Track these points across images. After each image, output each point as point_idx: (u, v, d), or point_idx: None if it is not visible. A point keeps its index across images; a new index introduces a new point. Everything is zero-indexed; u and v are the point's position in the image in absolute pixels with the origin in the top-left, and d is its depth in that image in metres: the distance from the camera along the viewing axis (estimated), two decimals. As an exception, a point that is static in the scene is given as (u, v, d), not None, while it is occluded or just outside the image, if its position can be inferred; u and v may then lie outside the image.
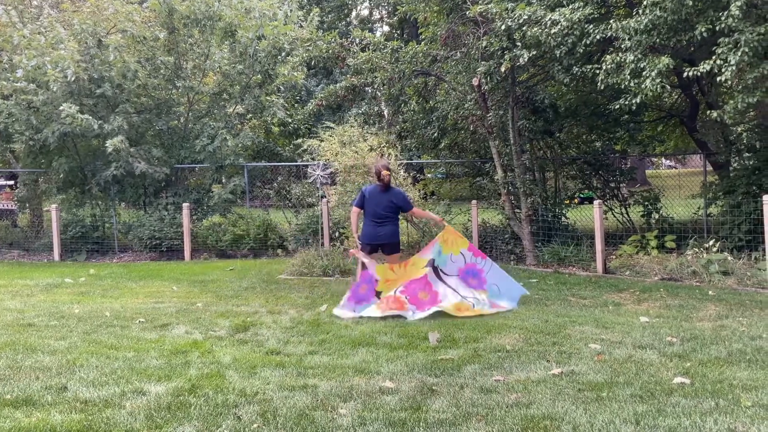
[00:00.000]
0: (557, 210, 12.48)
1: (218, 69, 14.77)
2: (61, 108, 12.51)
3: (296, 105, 19.88)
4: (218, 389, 4.56)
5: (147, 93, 14.41)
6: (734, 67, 7.85)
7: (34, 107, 13.28)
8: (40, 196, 15.69)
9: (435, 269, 7.65)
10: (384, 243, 7.79)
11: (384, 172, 7.72)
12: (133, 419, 4.02)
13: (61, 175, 14.27)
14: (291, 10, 15.52)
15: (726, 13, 7.82)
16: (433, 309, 7.06)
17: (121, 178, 13.83)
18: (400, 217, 8.17)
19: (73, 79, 12.83)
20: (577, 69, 9.78)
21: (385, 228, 7.76)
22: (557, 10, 9.44)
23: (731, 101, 8.39)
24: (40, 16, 16.22)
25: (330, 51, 13.96)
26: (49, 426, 3.91)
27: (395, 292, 7.29)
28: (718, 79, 8.16)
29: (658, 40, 8.65)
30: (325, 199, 12.45)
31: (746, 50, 7.73)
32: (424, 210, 8.93)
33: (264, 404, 4.25)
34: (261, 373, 4.93)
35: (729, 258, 9.33)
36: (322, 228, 12.47)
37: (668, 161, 30.27)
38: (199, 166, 14.77)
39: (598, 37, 9.12)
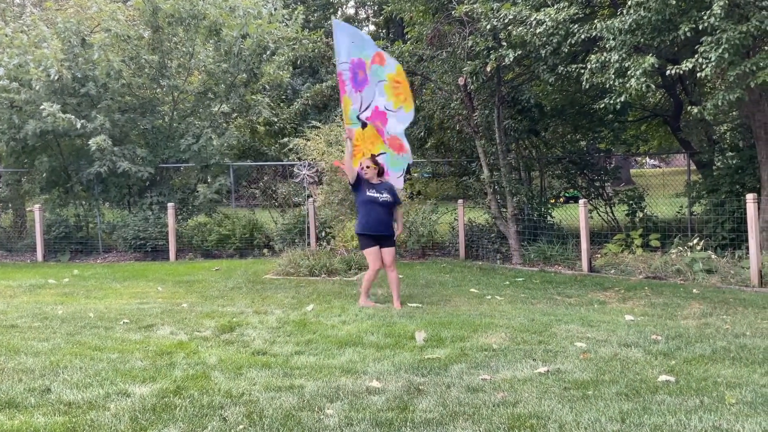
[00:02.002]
0: (543, 209, 12.53)
1: (203, 68, 14.69)
2: (42, 107, 12.39)
3: (282, 104, 19.83)
4: (204, 390, 4.53)
5: (131, 92, 14.32)
6: (714, 64, 7.92)
7: (17, 106, 13.15)
8: (23, 196, 15.54)
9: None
10: None
11: (381, 164, 8.00)
12: (118, 421, 3.98)
13: (44, 175, 14.14)
14: (275, 9, 15.47)
15: (708, 12, 7.89)
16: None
17: (105, 177, 13.72)
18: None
19: (56, 77, 12.72)
20: (562, 68, 9.82)
21: None
22: (542, 9, 9.47)
23: (712, 99, 8.47)
24: (22, 14, 16.08)
25: (316, 50, 13.94)
26: (32, 428, 3.87)
27: None
28: (699, 75, 8.22)
29: (642, 39, 8.71)
30: (311, 199, 12.43)
31: (727, 47, 7.80)
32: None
33: (250, 405, 4.23)
34: (247, 374, 4.90)
35: (713, 256, 9.42)
36: (308, 228, 12.44)
37: (652, 160, 30.52)
38: (184, 166, 14.69)
39: (582, 36, 9.16)
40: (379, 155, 8.26)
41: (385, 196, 7.60)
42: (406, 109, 8.32)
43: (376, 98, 8.20)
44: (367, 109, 8.20)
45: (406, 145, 8.43)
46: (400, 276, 9.99)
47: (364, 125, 8.25)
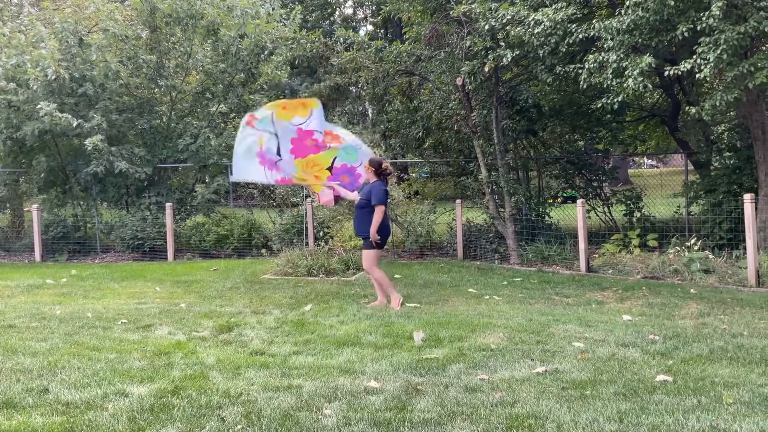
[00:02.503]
0: (541, 209, 12.54)
1: (201, 68, 14.68)
2: (39, 106, 12.39)
3: (280, 104, 19.79)
4: (202, 390, 4.53)
5: (129, 92, 14.30)
6: (712, 64, 7.93)
7: (14, 106, 13.13)
8: (21, 196, 15.52)
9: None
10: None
11: (386, 165, 7.75)
12: (116, 421, 3.98)
13: (42, 175, 14.12)
14: (273, 9, 15.46)
15: (707, 13, 7.90)
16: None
17: (103, 177, 13.70)
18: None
19: (53, 77, 12.70)
20: (560, 68, 9.83)
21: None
22: (540, 10, 9.48)
23: (710, 99, 8.49)
24: (20, 14, 16.06)
25: (314, 50, 13.95)
26: (30, 428, 3.87)
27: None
28: (698, 76, 8.24)
29: (640, 40, 8.72)
30: (309, 199, 12.42)
31: (725, 48, 7.81)
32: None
33: (248, 405, 4.23)
34: (245, 374, 4.90)
35: (710, 256, 9.43)
36: (306, 228, 12.44)
37: (650, 160, 30.57)
38: (182, 166, 14.68)
39: (580, 36, 9.17)
40: (334, 163, 8.23)
41: (359, 199, 7.66)
42: (313, 105, 8.08)
43: (287, 140, 8.11)
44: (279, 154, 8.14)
45: (342, 136, 8.26)
46: (398, 276, 10.00)
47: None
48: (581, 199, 10.77)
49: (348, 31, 14.17)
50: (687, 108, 9.35)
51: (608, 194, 13.52)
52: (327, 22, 29.71)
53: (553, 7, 9.40)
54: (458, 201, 12.52)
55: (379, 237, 7.49)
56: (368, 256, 7.64)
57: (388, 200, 8.05)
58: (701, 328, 6.20)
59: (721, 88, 8.47)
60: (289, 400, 4.31)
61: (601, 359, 5.15)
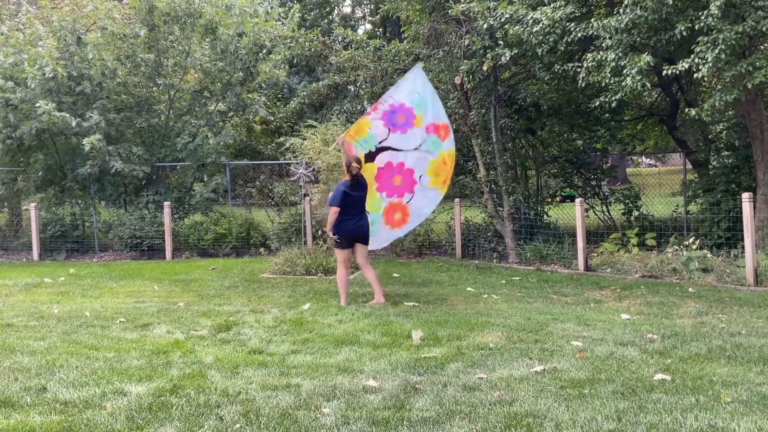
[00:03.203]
0: (539, 208, 12.54)
1: (199, 66, 14.67)
2: (37, 105, 12.38)
3: (278, 103, 19.77)
4: (200, 389, 4.53)
5: (127, 90, 14.29)
6: (711, 64, 7.94)
7: (12, 105, 13.11)
8: (19, 194, 15.49)
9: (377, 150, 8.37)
10: (363, 235, 7.79)
11: (354, 165, 7.63)
12: (114, 420, 3.98)
13: (40, 173, 14.10)
14: (271, 7, 15.45)
15: (705, 12, 7.90)
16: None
17: (101, 176, 13.68)
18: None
19: (51, 76, 12.69)
20: (558, 67, 9.83)
21: (364, 220, 7.78)
22: (539, 8, 9.49)
23: (709, 99, 8.49)
24: (18, 12, 16.04)
25: (312, 49, 13.93)
26: (28, 428, 3.86)
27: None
28: (696, 76, 8.25)
29: (638, 38, 8.72)
30: (308, 198, 12.42)
31: (723, 48, 7.82)
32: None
33: (246, 404, 4.23)
34: (243, 373, 4.90)
35: (708, 255, 9.43)
36: (304, 226, 12.43)
37: (648, 159, 30.56)
38: (181, 165, 14.66)
39: (579, 35, 9.18)
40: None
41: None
42: (440, 191, 8.67)
43: (412, 158, 8.42)
44: (385, 149, 8.34)
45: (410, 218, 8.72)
46: (396, 275, 10.02)
47: (371, 158, 8.31)
48: (579, 198, 10.77)
49: (346, 30, 14.16)
50: (687, 110, 9.35)
51: (607, 193, 13.53)
52: (325, 20, 29.64)
53: (552, 5, 9.41)
54: (457, 200, 12.52)
55: (336, 236, 7.61)
56: (336, 254, 7.91)
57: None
58: (699, 327, 6.21)
59: (719, 87, 8.47)
60: (288, 399, 4.31)
61: (599, 358, 5.15)
